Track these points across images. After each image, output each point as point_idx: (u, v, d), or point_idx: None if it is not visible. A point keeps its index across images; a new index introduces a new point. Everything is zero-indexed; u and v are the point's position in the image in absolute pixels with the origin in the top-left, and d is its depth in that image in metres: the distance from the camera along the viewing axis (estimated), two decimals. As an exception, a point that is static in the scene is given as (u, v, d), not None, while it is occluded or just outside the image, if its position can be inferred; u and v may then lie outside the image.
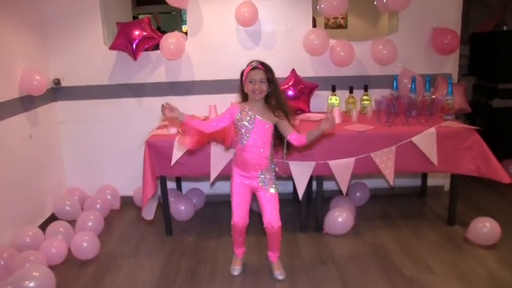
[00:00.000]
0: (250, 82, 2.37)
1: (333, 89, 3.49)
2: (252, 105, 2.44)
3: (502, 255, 2.79)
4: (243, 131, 2.43)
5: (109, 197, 3.73)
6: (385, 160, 2.98)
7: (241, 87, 2.46)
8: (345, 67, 3.54)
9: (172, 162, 2.93)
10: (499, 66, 4.19)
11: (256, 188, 2.53)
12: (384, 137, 2.98)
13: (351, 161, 2.99)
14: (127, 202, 3.79)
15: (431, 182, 3.84)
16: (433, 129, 2.96)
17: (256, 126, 2.42)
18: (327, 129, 2.39)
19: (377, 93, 3.50)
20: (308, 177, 3.00)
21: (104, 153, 3.78)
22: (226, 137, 2.60)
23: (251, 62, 2.40)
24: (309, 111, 3.52)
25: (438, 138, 2.94)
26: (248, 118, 2.41)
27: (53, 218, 3.48)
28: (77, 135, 3.74)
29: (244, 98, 2.48)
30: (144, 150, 2.99)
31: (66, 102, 3.68)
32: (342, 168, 3.00)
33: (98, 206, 3.53)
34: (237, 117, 2.44)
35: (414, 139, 2.95)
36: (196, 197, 3.66)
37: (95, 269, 2.82)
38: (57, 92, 3.64)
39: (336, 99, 3.50)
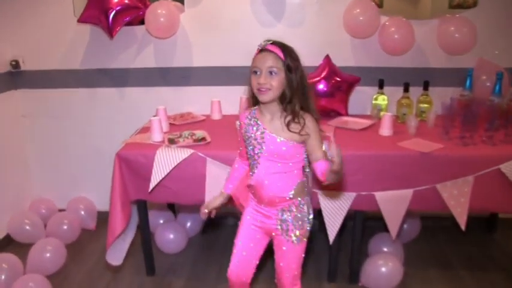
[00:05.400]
0: (255, 73, 1.53)
1: (381, 85, 2.55)
2: (262, 110, 1.60)
3: None
4: (251, 149, 1.62)
5: (82, 212, 2.92)
6: (457, 195, 2.06)
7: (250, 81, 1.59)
8: (399, 55, 2.57)
9: (151, 187, 2.07)
10: None
11: (272, 232, 1.68)
12: (457, 161, 2.05)
13: (407, 193, 2.08)
14: (105, 219, 2.95)
15: (503, 211, 2.87)
16: (531, 153, 2.01)
17: (267, 146, 1.57)
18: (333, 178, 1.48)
19: (440, 93, 2.54)
20: (344, 214, 2.11)
21: (78, 157, 2.96)
22: None
23: (264, 41, 1.55)
24: (346, 114, 2.59)
25: (539, 166, 1.99)
26: (256, 131, 1.58)
27: (7, 240, 2.70)
28: (44, 133, 2.93)
29: (256, 98, 1.61)
30: (114, 166, 2.13)
31: (28, 91, 2.85)
32: (393, 203, 2.10)
33: (65, 228, 2.74)
34: (244, 129, 1.64)
35: (504, 167, 2.00)
36: (191, 219, 2.80)
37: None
38: (16, 77, 2.81)
39: (384, 99, 2.57)
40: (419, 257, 2.58)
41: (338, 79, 2.52)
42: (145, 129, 2.42)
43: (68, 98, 2.84)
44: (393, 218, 2.12)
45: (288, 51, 1.52)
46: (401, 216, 2.11)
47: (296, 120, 1.53)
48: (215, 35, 2.65)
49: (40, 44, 2.75)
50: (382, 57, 2.60)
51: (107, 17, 2.44)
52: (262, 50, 1.53)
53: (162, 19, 2.48)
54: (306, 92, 1.56)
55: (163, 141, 2.22)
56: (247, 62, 1.57)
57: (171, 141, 2.20)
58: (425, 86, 2.52)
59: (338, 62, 2.55)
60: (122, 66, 2.74)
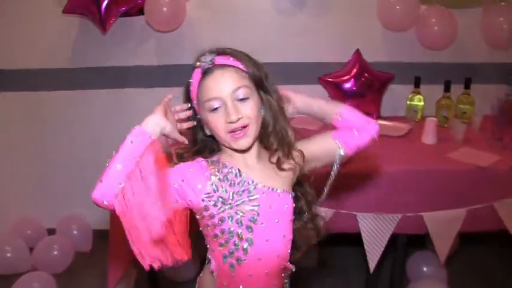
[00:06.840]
0: (214, 110, 1.00)
1: (417, 83, 2.24)
2: (232, 154, 1.05)
3: None
4: (231, 225, 1.00)
5: (75, 232, 2.56)
6: (519, 214, 1.78)
7: (196, 125, 1.09)
8: (439, 50, 2.26)
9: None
10: None
11: None
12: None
13: (459, 213, 1.79)
14: (102, 237, 2.61)
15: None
16: None
17: (264, 210, 1.00)
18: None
19: (481, 92, 2.26)
20: (387, 239, 1.81)
21: (69, 169, 2.59)
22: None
23: (199, 56, 1.02)
24: (379, 117, 2.28)
25: None
26: (242, 190, 1.00)
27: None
28: (29, 141, 2.55)
29: (202, 148, 1.11)
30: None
31: (10, 94, 2.47)
32: (444, 224, 1.80)
33: (56, 253, 2.38)
34: (208, 192, 1.00)
35: None
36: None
37: None
38: (-5, 78, 2.43)
39: (420, 100, 2.26)
40: (463, 277, 2.28)
41: (369, 76, 2.21)
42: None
43: (56, 101, 2.46)
44: (443, 241, 1.83)
45: (245, 57, 1.02)
46: (452, 238, 1.83)
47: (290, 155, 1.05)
48: (225, 27, 2.30)
49: (22, 39, 2.37)
50: (418, 51, 2.29)
51: (99, 6, 2.08)
52: (208, 70, 0.98)
53: (164, 8, 2.13)
54: (282, 108, 1.07)
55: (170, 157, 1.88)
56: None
57: (180, 157, 1.85)
58: (467, 84, 2.22)
59: (369, 57, 2.24)
60: (118, 64, 2.38)
